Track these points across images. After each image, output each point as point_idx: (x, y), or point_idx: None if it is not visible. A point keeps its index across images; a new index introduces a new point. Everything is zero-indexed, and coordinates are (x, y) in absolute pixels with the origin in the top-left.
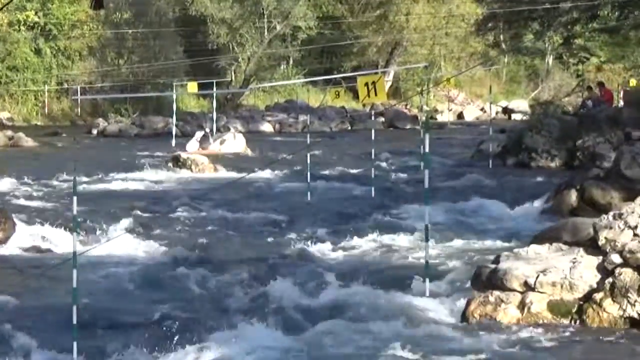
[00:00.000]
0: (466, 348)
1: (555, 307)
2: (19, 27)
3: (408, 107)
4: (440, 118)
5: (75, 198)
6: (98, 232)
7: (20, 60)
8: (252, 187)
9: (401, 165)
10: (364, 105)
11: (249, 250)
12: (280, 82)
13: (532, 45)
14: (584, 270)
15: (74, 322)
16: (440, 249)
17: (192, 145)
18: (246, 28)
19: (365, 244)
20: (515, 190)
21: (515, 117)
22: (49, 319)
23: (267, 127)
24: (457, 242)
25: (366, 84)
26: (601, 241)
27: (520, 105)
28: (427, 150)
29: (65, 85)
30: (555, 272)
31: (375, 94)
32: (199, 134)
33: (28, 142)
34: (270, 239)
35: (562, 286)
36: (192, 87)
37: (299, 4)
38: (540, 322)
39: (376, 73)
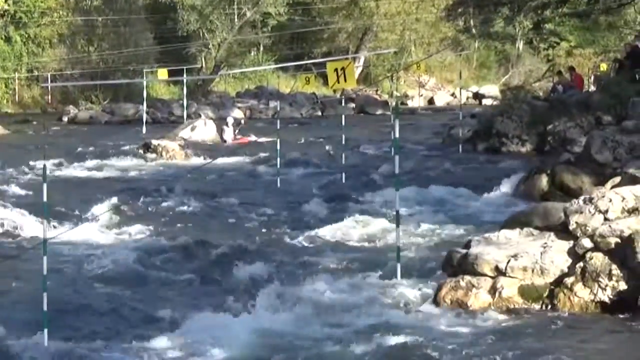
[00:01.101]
0: (437, 333)
1: (526, 292)
2: None
3: (378, 92)
4: (411, 104)
5: (45, 185)
6: (69, 219)
7: None
8: (222, 174)
9: (372, 150)
10: (334, 91)
11: (219, 237)
12: (251, 68)
13: (502, 30)
14: (555, 255)
15: (44, 308)
16: (411, 233)
17: (229, 134)
18: (216, 14)
19: (335, 230)
20: (485, 175)
21: (486, 102)
22: (20, 306)
23: (237, 114)
24: (428, 227)
25: (335, 70)
26: (572, 225)
27: (491, 90)
28: (397, 135)
29: (36, 73)
30: (526, 256)
31: (345, 80)
32: (230, 120)
33: None
34: (240, 226)
35: (533, 271)
36: (163, 73)
37: None
38: (512, 306)
39: (346, 59)
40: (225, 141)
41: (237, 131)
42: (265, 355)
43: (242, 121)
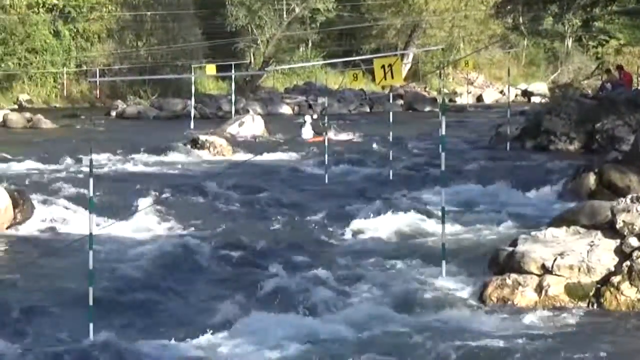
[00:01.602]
0: (483, 330)
1: (572, 290)
2: (37, 9)
3: (427, 89)
4: (459, 101)
5: (91, 179)
6: (115, 214)
7: (39, 43)
8: (270, 170)
9: (419, 147)
10: (383, 88)
11: (267, 233)
12: (299, 64)
13: (551, 28)
14: (602, 254)
15: (90, 303)
16: (457, 231)
17: (307, 131)
18: (265, 10)
19: (382, 226)
20: (533, 173)
21: (535, 99)
22: (66, 300)
23: (286, 110)
24: (474, 225)
25: (383, 66)
26: (619, 224)
27: (540, 88)
28: (443, 132)
29: (84, 68)
30: (572, 255)
31: (392, 77)
32: (308, 119)
33: (47, 124)
34: (287, 221)
35: (579, 269)
36: (211, 69)
37: None
38: (558, 305)
39: (394, 55)
40: (303, 138)
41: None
42: (313, 354)
43: (315, 116)
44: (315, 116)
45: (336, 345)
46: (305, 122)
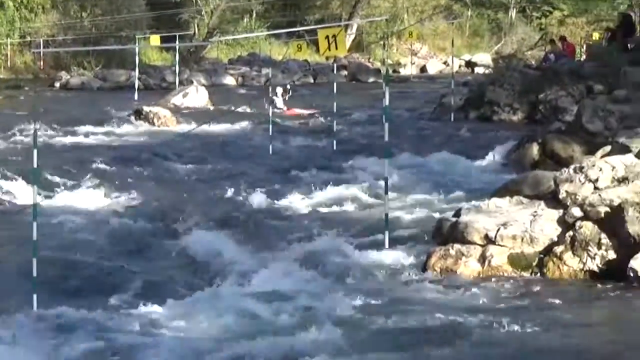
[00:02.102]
0: (426, 301)
1: (515, 260)
2: None
3: (371, 60)
4: (403, 72)
5: (35, 150)
6: (59, 185)
7: None
8: (214, 140)
9: (363, 118)
10: (327, 59)
11: (211, 205)
12: (243, 35)
13: None
14: (545, 224)
15: (34, 274)
16: (401, 202)
17: (280, 103)
18: None
19: (325, 197)
20: (477, 143)
21: (478, 70)
22: (9, 271)
23: (230, 80)
24: (418, 196)
25: (327, 37)
26: (562, 194)
27: (483, 58)
28: (387, 103)
29: (28, 39)
30: (516, 225)
31: (336, 47)
32: (279, 90)
33: None
34: (232, 192)
35: (522, 239)
36: (155, 39)
37: None
38: (501, 275)
39: (338, 26)
40: (279, 109)
41: (286, 99)
42: (249, 327)
43: (290, 91)
44: (281, 90)
45: (274, 317)
46: (277, 94)
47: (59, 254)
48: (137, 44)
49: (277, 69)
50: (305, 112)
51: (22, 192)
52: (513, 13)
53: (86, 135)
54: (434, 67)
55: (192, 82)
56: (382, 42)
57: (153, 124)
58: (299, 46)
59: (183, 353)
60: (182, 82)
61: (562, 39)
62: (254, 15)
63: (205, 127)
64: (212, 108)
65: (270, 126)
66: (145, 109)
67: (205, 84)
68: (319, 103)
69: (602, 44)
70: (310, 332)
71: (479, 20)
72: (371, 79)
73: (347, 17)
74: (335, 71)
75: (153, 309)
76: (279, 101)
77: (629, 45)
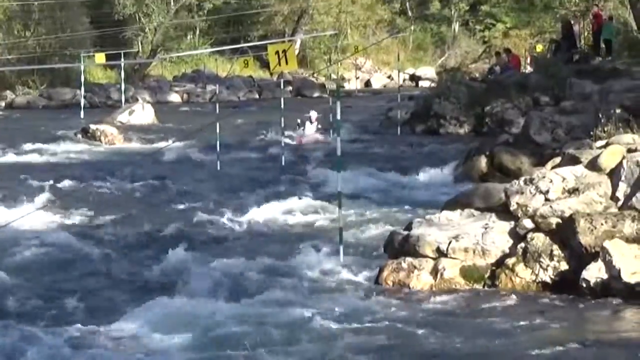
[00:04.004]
0: (379, 314)
1: (468, 273)
2: None
3: (315, 75)
4: (347, 86)
5: None
6: (8, 204)
7: None
8: (162, 158)
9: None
10: (271, 74)
11: (160, 223)
12: (187, 52)
13: (438, 12)
14: (496, 236)
15: None
16: (354, 216)
17: (310, 130)
18: None
19: (277, 212)
20: (425, 156)
21: (423, 84)
22: None
23: (175, 98)
24: (370, 209)
25: (277, 53)
26: (513, 206)
27: (428, 72)
28: (339, 117)
29: None
30: (467, 237)
31: (287, 63)
32: (313, 115)
33: None
34: (181, 210)
35: (474, 252)
36: (100, 58)
37: None
38: (454, 287)
39: (283, 42)
40: (300, 139)
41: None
42: (202, 339)
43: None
44: (316, 115)
45: (224, 331)
46: (310, 119)
47: (9, 274)
48: (82, 62)
49: (222, 85)
50: (321, 137)
51: None
52: (456, 26)
53: (34, 154)
54: (378, 81)
55: (137, 100)
56: (326, 57)
57: (100, 141)
58: (246, 62)
59: None
60: (127, 100)
61: (507, 51)
62: (198, 32)
63: (153, 145)
64: (159, 125)
65: (218, 142)
66: (92, 127)
67: (150, 101)
68: (264, 119)
69: (547, 56)
70: (261, 344)
71: (422, 34)
72: (316, 94)
73: (291, 33)
74: (282, 87)
75: (106, 326)
76: (310, 127)
77: (573, 56)
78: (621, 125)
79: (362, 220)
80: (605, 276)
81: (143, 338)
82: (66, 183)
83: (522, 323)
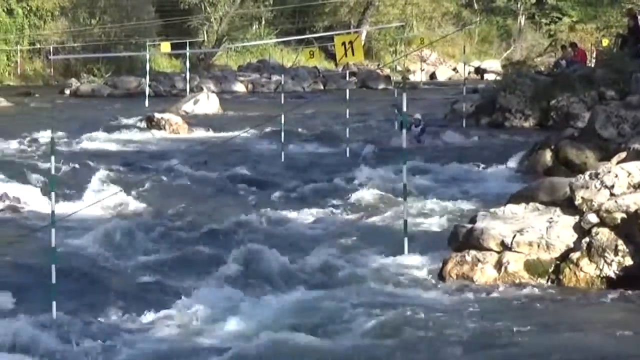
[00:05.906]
0: (443, 307)
1: (532, 267)
2: None
3: (380, 67)
4: (412, 78)
5: (52, 158)
6: (76, 192)
7: None
8: (226, 148)
9: (374, 125)
10: (336, 65)
11: (225, 213)
12: (253, 42)
13: (504, 5)
14: (561, 230)
15: (53, 281)
16: (418, 208)
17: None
18: None
19: (340, 204)
20: (489, 150)
21: (488, 77)
22: (28, 279)
23: (240, 87)
24: (435, 202)
25: (343, 44)
26: (578, 201)
27: (493, 65)
28: (404, 110)
29: (38, 46)
30: (532, 231)
31: (353, 54)
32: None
33: (1, 102)
34: (245, 201)
35: (538, 246)
36: (165, 47)
37: None
38: (517, 281)
39: (349, 33)
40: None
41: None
42: (270, 331)
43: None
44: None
45: (290, 322)
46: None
47: (77, 262)
48: (147, 51)
49: (287, 75)
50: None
51: (39, 200)
52: (522, 19)
53: (99, 142)
54: (444, 73)
55: (202, 89)
56: (392, 49)
57: (165, 130)
58: (312, 53)
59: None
60: (192, 89)
61: (573, 45)
62: (263, 22)
63: (218, 134)
64: (223, 114)
65: (282, 133)
66: (157, 115)
67: (215, 90)
68: (331, 108)
69: (613, 50)
70: (329, 338)
71: (488, 27)
72: (381, 86)
73: (356, 24)
74: (347, 78)
75: (169, 316)
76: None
77: None
78: None
79: (427, 212)
80: None
81: (204, 328)
82: (133, 172)
83: (586, 318)
